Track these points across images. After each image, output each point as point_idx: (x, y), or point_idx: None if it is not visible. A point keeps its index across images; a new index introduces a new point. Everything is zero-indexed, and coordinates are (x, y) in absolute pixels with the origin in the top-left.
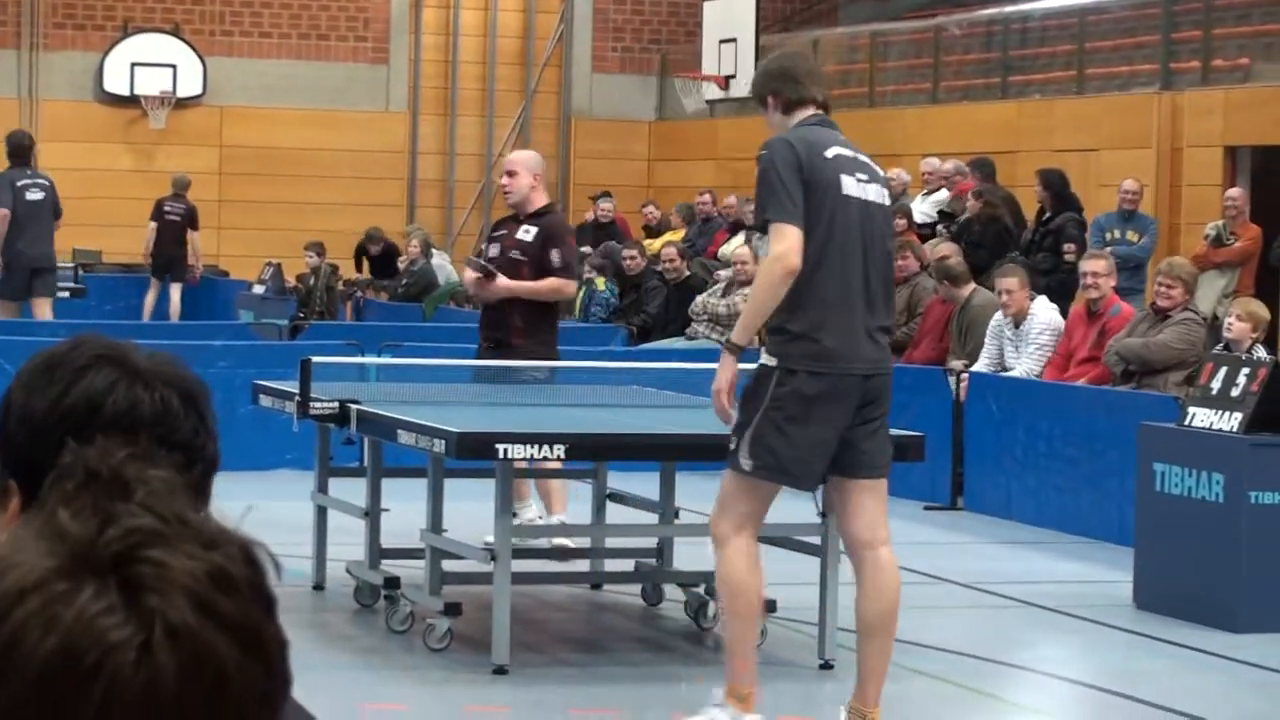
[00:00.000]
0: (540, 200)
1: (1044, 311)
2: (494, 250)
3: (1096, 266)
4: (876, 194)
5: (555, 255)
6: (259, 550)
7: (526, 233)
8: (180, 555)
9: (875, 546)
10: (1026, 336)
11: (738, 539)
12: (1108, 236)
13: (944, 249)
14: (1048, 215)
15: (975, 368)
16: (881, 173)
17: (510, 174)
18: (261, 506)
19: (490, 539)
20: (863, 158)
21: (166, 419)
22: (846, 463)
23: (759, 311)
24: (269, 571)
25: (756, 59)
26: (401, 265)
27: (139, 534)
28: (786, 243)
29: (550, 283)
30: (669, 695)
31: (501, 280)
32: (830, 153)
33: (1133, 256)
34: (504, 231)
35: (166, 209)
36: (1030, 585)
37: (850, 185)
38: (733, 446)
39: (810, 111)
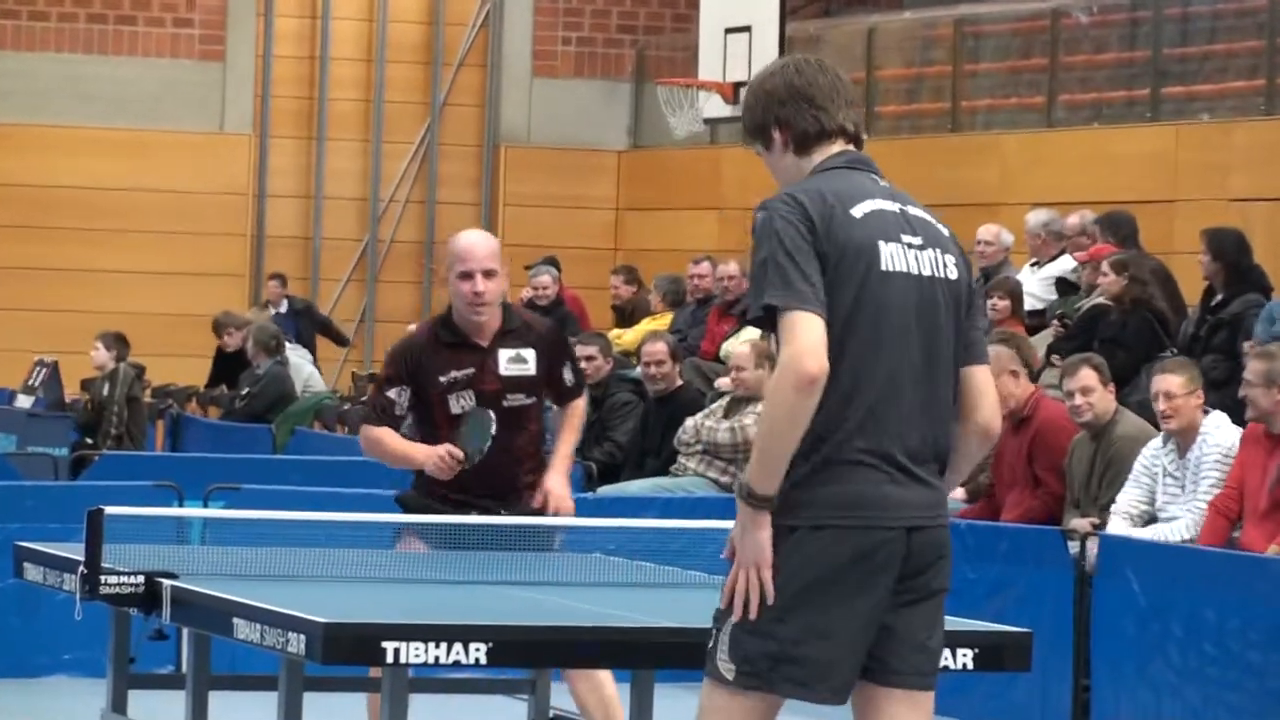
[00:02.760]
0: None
1: (1222, 433)
2: (463, 403)
3: (1256, 369)
4: (935, 264)
5: (569, 373)
6: None
7: (520, 360)
8: None
9: None
10: (1197, 469)
11: None
12: None
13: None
14: (1219, 298)
15: (1113, 527)
16: (945, 231)
17: (488, 274)
18: None
19: None
20: (915, 210)
21: None
22: (875, 661)
23: (774, 444)
24: None
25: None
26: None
27: None
28: (801, 339)
29: (576, 420)
30: None
31: (554, 482)
32: (862, 209)
33: None
34: (469, 369)
35: None
36: None
37: (893, 256)
38: (711, 643)
39: (837, 148)
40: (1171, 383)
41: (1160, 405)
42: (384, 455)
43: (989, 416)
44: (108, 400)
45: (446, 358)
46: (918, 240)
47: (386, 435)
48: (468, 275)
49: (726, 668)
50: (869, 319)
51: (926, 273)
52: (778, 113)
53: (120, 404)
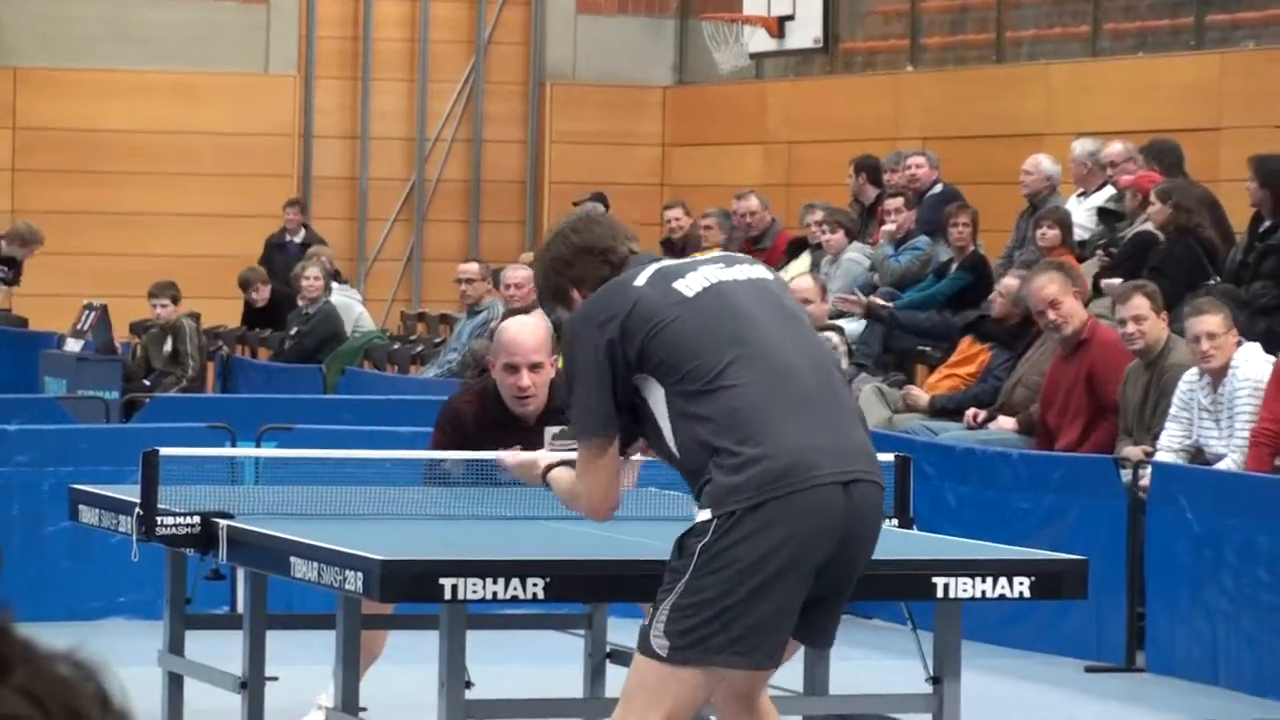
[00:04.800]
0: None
1: (1253, 365)
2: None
3: None
4: (746, 272)
5: None
6: None
7: (565, 435)
8: None
9: (753, 698)
10: (1230, 403)
11: None
12: None
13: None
14: (1267, 224)
15: (1160, 455)
16: (744, 260)
17: (534, 367)
18: None
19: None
20: (705, 258)
21: None
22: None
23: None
24: None
25: None
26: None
27: None
28: (591, 483)
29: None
30: None
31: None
32: (643, 277)
33: None
34: (515, 446)
35: None
36: None
37: (693, 283)
38: (647, 620)
39: None
40: (1211, 323)
41: (1204, 345)
42: None
43: None
44: (180, 353)
45: (494, 434)
46: (718, 265)
47: None
48: (513, 368)
49: (660, 644)
50: (706, 334)
51: (742, 277)
52: (570, 274)
53: (195, 356)
